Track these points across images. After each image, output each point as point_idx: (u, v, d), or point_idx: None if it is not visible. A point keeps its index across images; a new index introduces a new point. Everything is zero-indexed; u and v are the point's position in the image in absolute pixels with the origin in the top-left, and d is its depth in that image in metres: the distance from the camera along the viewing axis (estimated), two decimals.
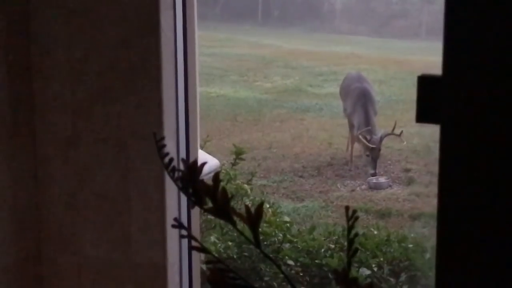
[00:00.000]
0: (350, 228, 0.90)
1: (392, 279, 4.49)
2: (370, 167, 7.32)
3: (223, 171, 5.05)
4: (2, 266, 2.32)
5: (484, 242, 0.91)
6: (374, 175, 7.25)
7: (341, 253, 4.53)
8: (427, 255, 4.77)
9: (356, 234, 0.91)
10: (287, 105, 9.98)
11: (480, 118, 0.90)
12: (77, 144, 2.31)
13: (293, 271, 4.44)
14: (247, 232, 0.96)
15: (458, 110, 0.90)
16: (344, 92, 8.36)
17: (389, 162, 7.77)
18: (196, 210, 2.32)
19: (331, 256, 4.53)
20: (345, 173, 7.61)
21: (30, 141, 2.34)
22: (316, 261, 4.52)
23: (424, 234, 5.93)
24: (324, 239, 4.78)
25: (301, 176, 7.57)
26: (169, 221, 2.23)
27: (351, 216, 0.90)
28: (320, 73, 11.64)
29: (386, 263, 4.51)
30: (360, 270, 4.35)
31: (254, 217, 0.93)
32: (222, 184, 0.93)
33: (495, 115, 0.89)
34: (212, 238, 4.54)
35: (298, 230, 5.02)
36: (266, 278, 4.38)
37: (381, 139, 7.43)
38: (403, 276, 4.54)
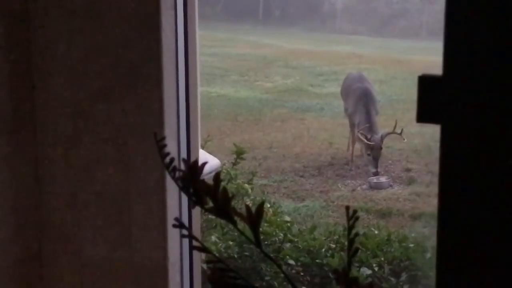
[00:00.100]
0: (351, 227, 0.90)
1: (392, 279, 4.49)
2: (372, 166, 7.32)
3: (223, 170, 5.05)
4: (2, 265, 2.32)
5: (484, 242, 0.91)
6: (376, 174, 7.25)
7: (342, 253, 4.53)
8: (428, 255, 4.77)
9: (357, 234, 0.91)
10: (288, 105, 9.98)
11: (480, 118, 0.90)
12: (78, 143, 2.31)
13: (293, 271, 4.44)
14: (248, 231, 0.96)
15: (458, 110, 0.91)
16: (345, 92, 8.37)
17: (389, 162, 7.77)
18: (197, 210, 2.32)
19: (332, 256, 4.53)
20: (345, 173, 7.61)
21: (31, 140, 2.34)
22: (317, 260, 4.52)
23: (425, 234, 5.93)
24: (325, 239, 4.78)
25: (301, 176, 7.58)
26: (170, 220, 2.24)
27: (352, 216, 0.90)
28: (321, 73, 11.65)
29: (386, 262, 4.52)
30: (361, 269, 4.36)
31: (255, 216, 0.93)
32: (222, 183, 0.93)
33: (496, 115, 0.89)
34: (213, 238, 4.54)
35: (299, 229, 5.02)
36: (266, 278, 4.38)
37: (382, 138, 7.43)
38: (403, 276, 4.54)
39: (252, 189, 5.28)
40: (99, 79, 2.25)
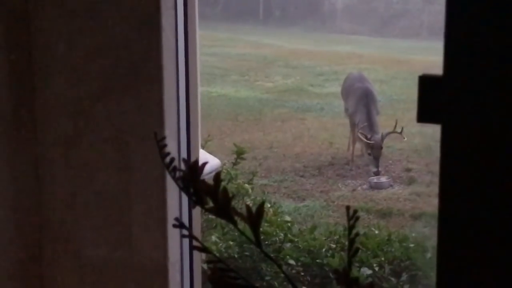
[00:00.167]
0: (351, 227, 0.90)
1: (393, 279, 4.49)
2: (373, 165, 7.32)
3: (224, 170, 5.05)
4: (2, 265, 2.32)
5: (485, 242, 0.91)
6: (376, 173, 7.25)
7: (342, 253, 4.53)
8: (428, 255, 4.77)
9: (357, 234, 0.91)
10: (288, 105, 9.98)
11: (481, 118, 0.90)
12: (78, 143, 2.31)
13: (294, 271, 4.44)
14: (248, 231, 0.96)
15: (459, 110, 0.90)
16: (346, 92, 8.37)
17: (390, 161, 7.77)
18: (197, 210, 2.32)
19: (332, 256, 4.53)
20: (346, 173, 7.61)
21: (31, 140, 2.34)
22: (317, 260, 4.52)
23: (425, 234, 5.93)
24: (325, 239, 4.78)
25: (302, 176, 7.58)
26: (170, 220, 2.23)
27: (352, 216, 0.90)
28: (321, 73, 11.65)
29: (387, 262, 4.52)
30: (361, 269, 4.36)
31: (255, 216, 0.93)
32: (223, 183, 0.93)
33: (496, 115, 0.89)
34: (213, 238, 4.54)
35: (299, 229, 5.03)
36: (267, 278, 4.38)
37: (383, 137, 7.44)
38: (404, 276, 4.54)
39: (252, 189, 5.28)
40: (99, 79, 2.25)
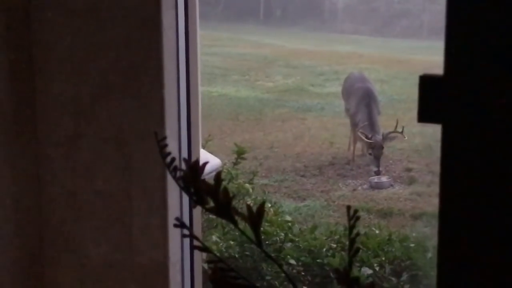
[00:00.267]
0: (352, 227, 0.90)
1: (393, 279, 4.49)
2: (373, 165, 7.32)
3: (224, 170, 5.05)
4: (3, 265, 2.32)
5: (485, 241, 0.91)
6: (377, 173, 7.25)
7: (343, 253, 4.53)
8: (429, 255, 4.77)
9: (358, 234, 0.91)
10: (289, 105, 9.98)
11: (481, 117, 0.90)
12: (79, 143, 2.31)
13: (294, 271, 4.44)
14: (249, 231, 0.96)
15: (459, 110, 0.90)
16: (347, 92, 8.37)
17: (390, 161, 7.77)
18: (197, 210, 2.32)
19: (333, 256, 4.53)
20: (346, 173, 7.61)
21: (32, 140, 2.34)
22: (318, 260, 4.52)
23: (426, 234, 5.92)
24: (326, 239, 4.78)
25: (302, 176, 7.58)
26: (171, 220, 2.24)
27: (353, 216, 0.90)
28: (322, 73, 11.65)
29: (387, 262, 4.52)
30: (362, 269, 4.35)
31: (256, 216, 0.93)
32: (223, 183, 0.93)
33: (497, 114, 0.89)
34: (214, 238, 4.54)
35: (300, 229, 5.02)
36: (267, 278, 4.38)
37: (384, 137, 7.44)
38: (404, 276, 4.54)
39: (253, 188, 5.28)
40: (100, 78, 2.25)
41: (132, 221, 2.28)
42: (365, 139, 7.43)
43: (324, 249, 4.60)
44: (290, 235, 4.65)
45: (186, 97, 2.28)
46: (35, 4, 2.27)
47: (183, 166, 0.95)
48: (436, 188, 0.96)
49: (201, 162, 0.95)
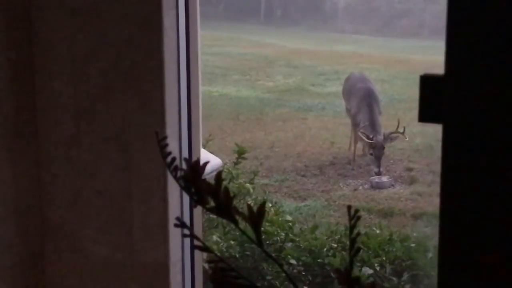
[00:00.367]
0: (352, 227, 0.90)
1: (394, 279, 4.49)
2: (374, 165, 7.32)
3: (225, 170, 5.05)
4: (4, 265, 2.32)
5: (486, 241, 0.91)
6: (378, 173, 7.25)
7: (343, 252, 4.53)
8: (430, 255, 4.77)
9: (358, 233, 0.91)
10: (290, 104, 9.98)
11: (482, 117, 0.90)
12: (80, 143, 2.31)
13: (295, 270, 4.44)
14: (249, 231, 0.96)
15: (460, 110, 0.90)
16: (348, 92, 8.36)
17: (391, 161, 7.77)
18: (198, 209, 2.32)
19: (333, 255, 4.53)
20: (347, 172, 7.61)
21: (33, 140, 2.34)
22: (318, 260, 4.52)
23: (427, 234, 5.92)
24: (326, 238, 4.78)
25: (303, 175, 7.58)
26: (172, 220, 2.23)
27: (353, 215, 0.90)
28: (323, 72, 11.64)
29: (388, 262, 4.52)
30: (363, 269, 4.36)
31: (256, 216, 0.93)
32: (224, 183, 0.93)
33: (498, 114, 0.89)
34: (214, 237, 4.54)
35: (300, 229, 5.02)
36: (268, 277, 4.38)
37: (385, 138, 7.44)
38: (405, 276, 4.54)
39: (253, 188, 5.28)
40: (101, 78, 2.25)
41: (132, 220, 2.28)
42: (366, 140, 7.43)
43: (325, 249, 4.60)
44: (290, 235, 4.65)
45: (187, 96, 2.28)
46: (35, 3, 2.27)
47: (184, 166, 0.95)
48: (437, 188, 0.96)
49: (201, 162, 0.95)
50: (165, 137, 1.00)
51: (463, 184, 0.91)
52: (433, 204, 6.49)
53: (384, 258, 4.51)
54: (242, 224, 0.96)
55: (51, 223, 2.38)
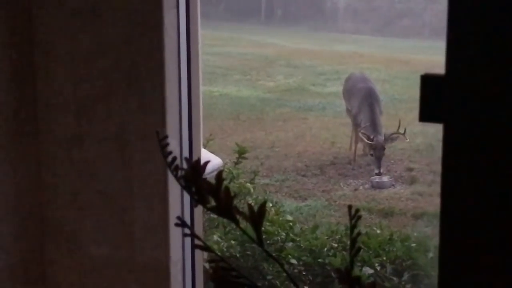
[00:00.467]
0: (353, 227, 0.90)
1: (395, 278, 4.49)
2: (375, 166, 7.32)
3: (226, 170, 5.05)
4: (5, 265, 2.32)
5: (487, 241, 0.91)
6: (379, 174, 7.25)
7: (344, 252, 4.53)
8: (430, 254, 4.77)
9: (359, 233, 0.91)
10: (290, 104, 9.97)
11: (483, 117, 0.90)
12: (80, 143, 2.31)
13: (296, 270, 4.44)
14: (250, 231, 0.96)
15: (461, 109, 0.90)
16: (348, 92, 8.35)
17: (392, 161, 7.77)
18: (199, 209, 2.32)
19: (334, 255, 4.53)
20: (348, 172, 7.61)
21: (33, 140, 2.34)
22: (319, 260, 4.52)
23: (427, 233, 5.92)
24: (327, 238, 4.78)
25: (304, 175, 7.57)
26: (172, 219, 2.24)
27: (354, 215, 0.90)
28: (323, 72, 11.64)
29: (389, 262, 4.51)
30: (363, 269, 4.35)
31: (257, 216, 0.93)
32: (225, 183, 0.93)
33: (498, 114, 0.89)
34: (215, 237, 4.54)
35: (301, 229, 5.02)
36: (269, 277, 4.38)
37: (386, 138, 7.43)
38: (406, 275, 4.54)
39: (254, 188, 5.28)
40: (101, 78, 2.25)
41: (133, 220, 2.28)
42: (367, 141, 7.42)
43: (326, 249, 4.60)
44: (291, 234, 4.65)
45: (187, 96, 2.28)
46: (36, 3, 2.27)
47: (185, 165, 0.95)
48: (437, 188, 0.96)
49: (202, 162, 0.95)
50: (165, 137, 1.00)
51: (463, 184, 0.91)
52: (433, 204, 6.48)
53: (384, 258, 4.50)
54: (243, 224, 0.96)
55: (51, 222, 2.38)
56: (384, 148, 7.39)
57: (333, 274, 4.38)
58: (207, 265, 2.66)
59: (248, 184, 5.16)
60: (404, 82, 10.40)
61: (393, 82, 10.64)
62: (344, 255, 4.47)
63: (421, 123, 0.95)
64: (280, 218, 4.84)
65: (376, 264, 4.43)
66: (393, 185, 7.22)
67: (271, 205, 5.19)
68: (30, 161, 2.34)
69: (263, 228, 0.95)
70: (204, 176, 0.94)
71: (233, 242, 4.52)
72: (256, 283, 0.95)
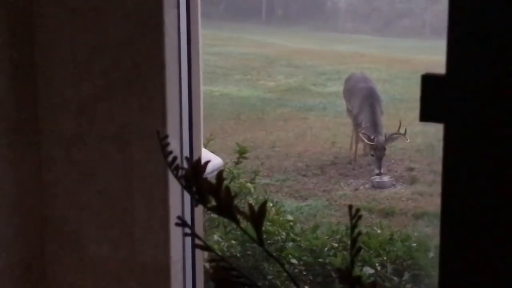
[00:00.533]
0: (354, 227, 0.90)
1: (395, 278, 4.49)
2: (375, 166, 7.32)
3: (226, 169, 5.05)
4: (5, 265, 2.32)
5: (487, 241, 0.91)
6: (379, 174, 7.25)
7: (345, 252, 4.53)
8: (431, 254, 4.77)
9: (360, 233, 0.91)
10: (291, 104, 9.97)
11: (483, 117, 0.89)
12: (81, 143, 2.31)
13: (296, 270, 4.44)
14: (251, 230, 0.96)
15: (461, 109, 0.90)
16: (349, 92, 8.35)
17: (392, 161, 7.77)
18: (199, 209, 2.32)
19: (335, 255, 4.53)
20: (348, 172, 7.61)
21: (34, 140, 2.34)
22: (320, 260, 4.52)
23: (428, 233, 5.92)
24: (328, 238, 4.78)
25: (304, 175, 7.57)
26: (173, 219, 2.24)
27: (355, 215, 0.90)
28: (324, 72, 11.64)
29: (389, 262, 4.52)
30: (364, 269, 4.35)
31: (258, 215, 0.93)
32: (225, 182, 0.93)
33: (499, 114, 0.89)
34: (216, 237, 4.54)
35: (302, 229, 5.02)
36: (269, 277, 4.38)
37: (387, 139, 7.43)
38: (406, 275, 4.54)
39: (254, 188, 5.28)
40: (102, 77, 2.25)
41: (133, 220, 2.28)
42: (367, 141, 7.42)
43: (326, 249, 4.60)
44: (291, 234, 4.65)
45: (188, 96, 2.28)
46: (37, 3, 2.27)
47: (185, 165, 0.95)
48: (438, 188, 0.96)
49: (202, 161, 0.95)
50: (166, 136, 1.00)
51: (464, 184, 0.91)
52: (434, 203, 6.48)
53: (385, 258, 4.51)
54: (243, 224, 0.96)
55: (52, 222, 2.38)
56: (384, 149, 7.39)
57: (333, 274, 4.38)
58: (207, 265, 2.65)
59: (249, 184, 5.16)
60: (404, 82, 10.41)
61: (394, 82, 10.64)
62: (345, 255, 4.47)
63: (421, 123, 0.95)
64: (281, 218, 4.84)
65: (377, 264, 4.43)
66: (393, 185, 7.22)
67: (271, 205, 5.19)
68: (30, 161, 2.34)
69: (263, 228, 0.94)
70: (204, 176, 0.94)
71: (233, 241, 4.52)
72: (257, 283, 0.95)
